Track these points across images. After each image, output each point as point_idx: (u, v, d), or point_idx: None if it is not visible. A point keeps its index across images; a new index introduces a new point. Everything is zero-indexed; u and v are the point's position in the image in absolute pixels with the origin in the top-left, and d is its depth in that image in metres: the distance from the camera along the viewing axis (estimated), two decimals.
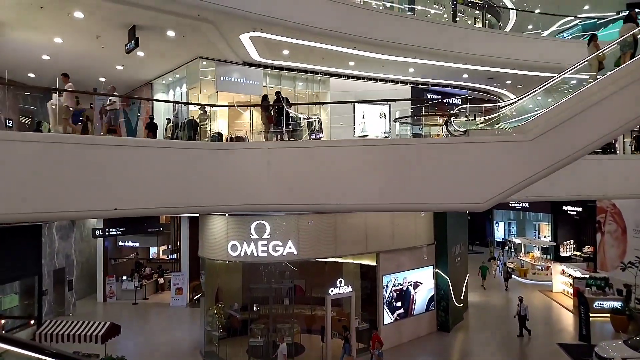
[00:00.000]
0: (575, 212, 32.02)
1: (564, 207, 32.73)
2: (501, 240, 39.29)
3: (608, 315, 18.78)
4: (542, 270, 26.71)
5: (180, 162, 10.10)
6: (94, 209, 9.19)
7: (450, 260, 18.61)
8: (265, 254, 14.19)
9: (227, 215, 14.56)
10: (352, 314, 15.76)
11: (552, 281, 24.52)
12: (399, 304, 16.87)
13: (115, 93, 11.76)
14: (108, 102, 11.03)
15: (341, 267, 16.81)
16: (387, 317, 16.46)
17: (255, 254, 14.18)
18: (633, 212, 26.11)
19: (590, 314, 19.23)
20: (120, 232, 19.45)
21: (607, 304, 19.43)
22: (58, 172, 8.49)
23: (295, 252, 14.33)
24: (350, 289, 15.67)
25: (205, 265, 16.18)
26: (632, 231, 26.11)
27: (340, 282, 15.50)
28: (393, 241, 16.58)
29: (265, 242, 14.21)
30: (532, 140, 9.99)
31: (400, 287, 16.98)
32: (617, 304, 19.04)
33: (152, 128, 12.40)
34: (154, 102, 18.71)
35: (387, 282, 16.51)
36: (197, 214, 16.58)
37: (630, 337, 14.72)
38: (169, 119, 15.98)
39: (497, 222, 40.77)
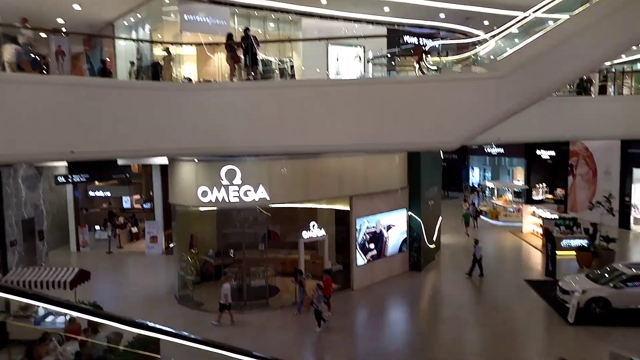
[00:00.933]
0: (548, 157, 32.51)
1: (538, 152, 33.17)
2: (476, 186, 39.98)
3: (575, 253, 19.46)
4: (514, 212, 27.36)
5: (144, 104, 9.63)
6: (49, 152, 8.76)
7: (424, 203, 18.80)
8: (237, 199, 14.03)
9: (196, 160, 14.24)
10: (325, 256, 15.96)
11: (522, 222, 25.16)
12: (372, 246, 17.12)
13: (27, 25, 10.70)
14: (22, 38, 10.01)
15: (316, 212, 16.86)
16: (360, 259, 16.73)
17: (227, 200, 14.01)
18: (603, 155, 26.67)
19: (558, 252, 19.93)
20: (84, 180, 18.89)
21: (574, 243, 20.09)
22: (13, 113, 8.00)
23: (268, 197, 14.20)
24: (323, 232, 15.78)
25: (175, 212, 15.99)
26: (602, 173, 26.83)
27: (314, 225, 15.57)
28: (367, 185, 16.58)
29: (237, 188, 14.01)
30: (503, 78, 9.82)
31: (373, 229, 17.17)
32: (584, 242, 19.71)
33: (105, 74, 11.40)
34: (116, 46, 17.72)
35: (361, 225, 16.66)
36: (167, 162, 16.21)
37: (592, 271, 15.33)
38: (132, 62, 15.20)
39: (472, 168, 41.27)
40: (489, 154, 37.94)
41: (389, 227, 17.71)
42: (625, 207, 25.23)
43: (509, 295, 16.05)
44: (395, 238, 18.06)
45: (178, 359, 4.96)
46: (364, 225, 16.76)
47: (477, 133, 10.17)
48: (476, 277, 17.54)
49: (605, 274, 14.26)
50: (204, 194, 14.01)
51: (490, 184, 32.51)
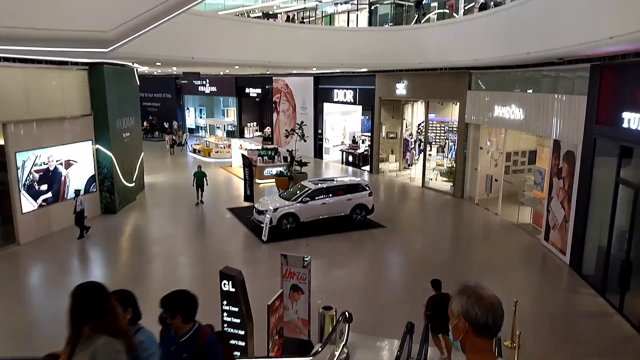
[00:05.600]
0: (256, 95, 33.63)
1: (247, 90, 33.95)
2: (193, 127, 38.95)
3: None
4: (224, 148, 27.33)
5: None
6: None
7: (115, 135, 16.16)
8: None
9: None
10: None
11: (232, 158, 25.28)
12: (44, 187, 13.72)
13: None
14: None
15: None
16: (28, 204, 13.21)
17: None
18: (300, 91, 28.84)
19: (261, 181, 20.63)
20: None
21: (275, 170, 21.02)
22: None
23: None
24: None
25: None
26: (300, 108, 29.03)
27: None
28: (29, 109, 12.91)
29: None
30: None
31: (45, 166, 13.74)
32: (282, 169, 20.80)
33: None
34: None
35: (24, 162, 13.02)
36: None
37: (285, 191, 16.01)
38: None
39: (187, 108, 39.88)
40: (203, 92, 37.12)
41: (68, 164, 14.53)
42: (319, 139, 28.17)
43: (212, 224, 15.47)
44: (79, 176, 15.02)
45: None
46: (29, 162, 13.16)
47: (143, 23, 8.28)
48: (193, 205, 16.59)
49: (297, 192, 14.95)
50: None
51: (202, 121, 31.80)
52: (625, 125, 9.28)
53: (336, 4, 26.16)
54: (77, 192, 13.96)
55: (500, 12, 13.94)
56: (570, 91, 12.12)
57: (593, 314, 9.61)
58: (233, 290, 6.18)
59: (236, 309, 6.24)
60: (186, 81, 35.63)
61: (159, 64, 17.36)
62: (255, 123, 35.41)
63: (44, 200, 13.71)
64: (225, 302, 6.33)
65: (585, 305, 10.00)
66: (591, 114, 10.80)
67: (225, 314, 6.37)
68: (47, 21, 7.59)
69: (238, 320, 6.26)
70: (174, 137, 31.50)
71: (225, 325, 6.33)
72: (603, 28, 8.28)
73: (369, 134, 24.48)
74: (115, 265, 12.39)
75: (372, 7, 24.51)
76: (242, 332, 6.25)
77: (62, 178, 14.35)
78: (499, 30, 13.52)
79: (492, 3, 15.87)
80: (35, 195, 13.42)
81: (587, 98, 10.99)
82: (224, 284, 6.22)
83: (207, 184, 17.68)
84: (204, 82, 36.10)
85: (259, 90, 32.96)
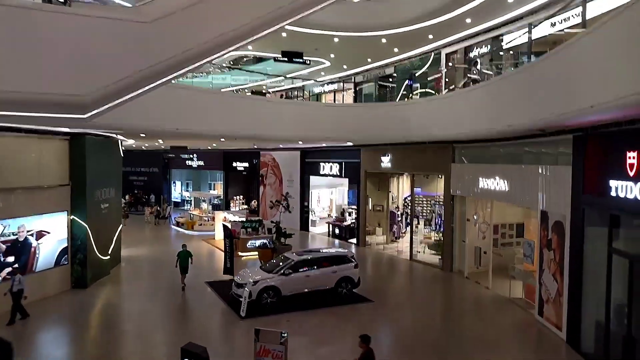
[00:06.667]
0: (243, 168, 33.71)
1: (234, 164, 34.07)
2: (179, 201, 38.58)
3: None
4: (209, 221, 26.76)
5: None
6: None
7: (92, 206, 15.63)
8: None
9: None
10: None
11: (215, 230, 24.68)
12: (11, 259, 12.94)
13: None
14: None
15: None
16: None
17: None
18: (287, 165, 28.95)
19: (244, 254, 19.97)
20: None
21: (258, 242, 20.39)
22: None
23: None
24: None
25: None
26: (287, 181, 28.97)
27: None
28: (1, 177, 12.50)
29: None
30: (151, 23, 8.19)
31: (15, 237, 13.06)
32: (265, 241, 20.20)
33: None
34: None
35: None
36: None
37: (266, 263, 15.33)
38: None
39: (174, 182, 39.68)
40: (190, 167, 37.18)
41: (40, 234, 13.87)
42: (305, 212, 27.83)
43: (189, 300, 14.54)
44: (50, 248, 14.29)
45: None
46: None
47: (120, 90, 8.13)
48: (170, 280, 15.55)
49: (280, 264, 14.29)
50: None
51: (187, 194, 31.56)
52: (613, 193, 9.11)
53: (322, 84, 27.11)
54: (14, 269, 12.61)
55: (482, 88, 14.33)
56: (554, 162, 12.10)
57: None
58: None
59: None
60: (173, 155, 35.79)
61: (144, 135, 17.32)
62: (242, 196, 35.13)
63: (9, 273, 12.84)
64: None
65: None
66: (577, 184, 10.68)
67: None
68: (21, 83, 7.43)
69: None
70: (158, 209, 31.43)
71: None
72: (584, 97, 8.33)
73: (356, 207, 24.24)
74: (80, 342, 11.34)
75: (358, 88, 25.42)
76: None
77: (32, 249, 13.60)
78: (480, 104, 13.78)
79: (477, 76, 16.42)
80: (1, 267, 12.60)
81: (572, 168, 10.92)
82: None
83: (191, 263, 15.43)
84: (192, 156, 36.26)
85: (246, 164, 33.08)
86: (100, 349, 10.90)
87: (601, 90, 7.78)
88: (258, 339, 6.95)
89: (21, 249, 13.26)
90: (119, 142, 18.77)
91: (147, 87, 8.72)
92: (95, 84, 7.84)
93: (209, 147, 32.33)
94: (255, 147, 28.76)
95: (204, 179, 38.71)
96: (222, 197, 35.34)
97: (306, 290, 13.69)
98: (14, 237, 13.05)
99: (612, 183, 9.15)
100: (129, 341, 11.45)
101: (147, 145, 28.89)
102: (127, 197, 34.76)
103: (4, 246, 12.72)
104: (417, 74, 20.55)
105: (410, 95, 20.41)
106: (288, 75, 26.11)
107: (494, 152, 15.62)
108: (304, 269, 13.81)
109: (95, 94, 7.90)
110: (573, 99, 8.76)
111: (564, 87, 9.21)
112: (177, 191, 39.54)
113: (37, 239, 13.76)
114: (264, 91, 29.77)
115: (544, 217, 12.31)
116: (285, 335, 6.97)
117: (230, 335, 11.93)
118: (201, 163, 36.14)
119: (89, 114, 8.62)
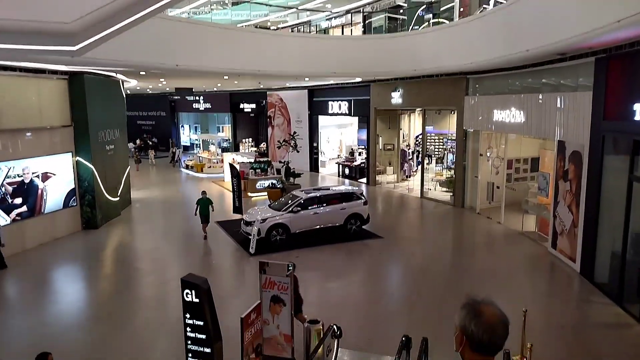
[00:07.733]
0: (250, 110, 33.08)
1: (241, 105, 33.42)
2: (189, 145, 38.39)
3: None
4: (217, 163, 26.61)
5: None
6: None
7: (97, 147, 15.41)
8: None
9: None
10: None
11: (224, 172, 24.54)
12: (18, 200, 12.93)
13: None
14: None
15: None
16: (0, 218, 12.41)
17: None
18: (295, 105, 28.26)
19: (253, 194, 19.89)
20: None
21: (267, 182, 20.25)
22: None
23: None
24: None
25: None
26: (295, 122, 28.42)
27: None
28: (1, 118, 12.21)
29: None
30: None
31: (20, 179, 12.98)
32: (274, 181, 20.03)
33: None
34: None
35: None
36: None
37: (275, 201, 15.20)
38: None
39: (182, 126, 39.36)
40: (197, 109, 36.65)
41: (46, 176, 13.77)
42: (314, 153, 27.45)
43: (199, 238, 14.54)
44: (57, 190, 14.25)
45: None
46: (2, 173, 12.41)
47: (106, 16, 7.60)
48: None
49: (288, 202, 14.13)
50: None
51: (196, 137, 31.28)
52: (637, 117, 8.53)
53: (329, 18, 25.78)
54: None
55: (497, 12, 13.35)
56: (573, 89, 11.41)
57: (610, 324, 8.69)
58: (197, 300, 5.33)
59: (201, 323, 5.38)
60: (179, 97, 35.16)
61: (143, 73, 16.73)
62: (250, 139, 34.78)
63: (18, 215, 12.89)
64: (188, 315, 5.47)
65: (601, 316, 9.07)
66: (598, 110, 10.06)
67: (188, 329, 5.50)
68: (3, 11, 6.93)
69: (203, 336, 5.39)
70: (174, 151, 31.85)
71: (189, 342, 5.46)
72: (608, 13, 7.60)
73: (365, 147, 23.76)
74: (92, 281, 11.50)
75: (367, 21, 24.10)
76: (208, 350, 5.38)
77: (39, 191, 13.56)
78: (496, 30, 12.88)
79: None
80: (8, 209, 12.61)
81: (592, 93, 10.26)
82: (187, 293, 5.37)
83: (212, 210, 14.27)
84: (198, 99, 35.62)
85: (253, 106, 32.43)
86: (113, 286, 11.03)
87: (627, 5, 7.06)
88: (265, 271, 6.80)
89: (28, 191, 13.21)
90: (121, 82, 18.25)
91: (136, 16, 8.12)
92: (80, 12, 7.31)
93: (215, 89, 31.61)
94: (262, 86, 27.99)
95: (211, 121, 38.26)
96: (230, 139, 35.03)
97: (316, 227, 13.59)
98: (20, 179, 12.96)
99: (637, 106, 8.55)
100: (138, 279, 11.55)
101: (151, 87, 28.29)
102: (138, 141, 34.68)
103: (10, 188, 12.66)
104: (431, 1, 19.30)
105: (423, 27, 19.28)
106: (291, 3, 24.79)
107: (509, 84, 14.84)
108: (313, 206, 13.64)
109: (82, 20, 7.36)
110: (596, 14, 8.01)
111: (587, 1, 8.43)
112: (186, 135, 39.27)
113: (43, 181, 13.67)
114: (268, 28, 28.59)
115: (561, 147, 11.79)
116: (291, 268, 6.81)
117: (240, 271, 11.98)
118: (208, 105, 35.55)
119: (79, 46, 8.10)
